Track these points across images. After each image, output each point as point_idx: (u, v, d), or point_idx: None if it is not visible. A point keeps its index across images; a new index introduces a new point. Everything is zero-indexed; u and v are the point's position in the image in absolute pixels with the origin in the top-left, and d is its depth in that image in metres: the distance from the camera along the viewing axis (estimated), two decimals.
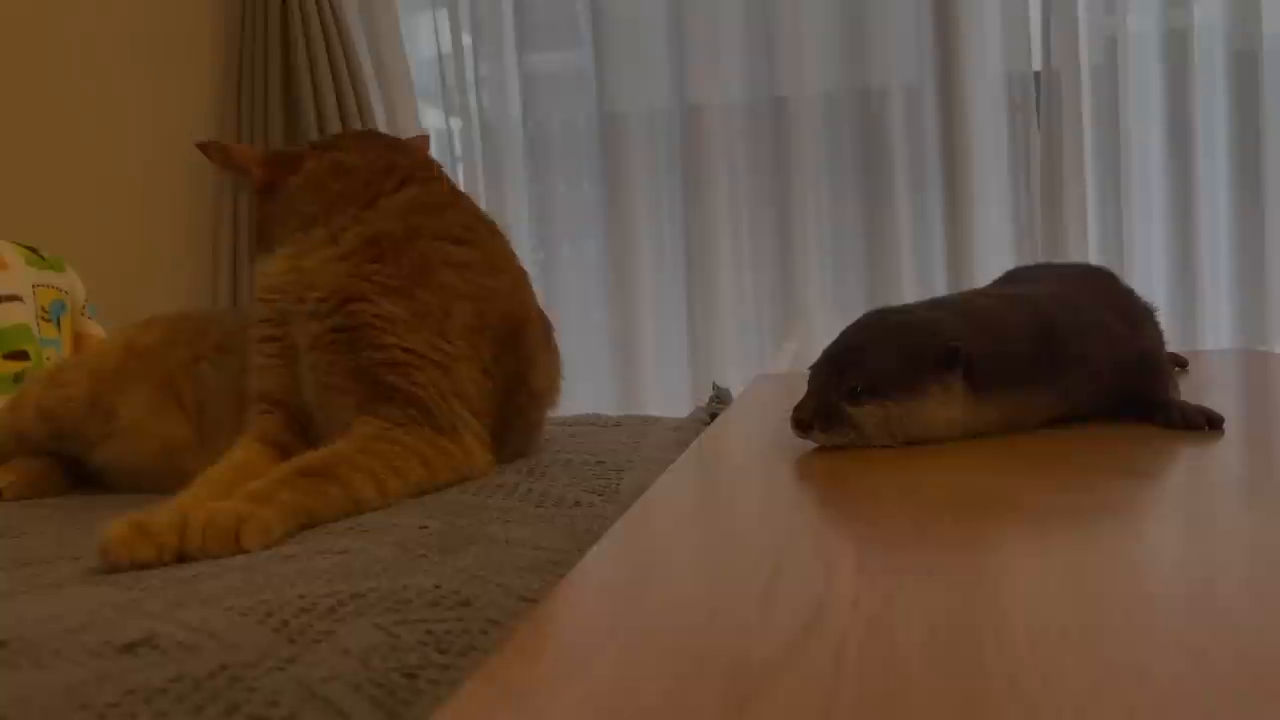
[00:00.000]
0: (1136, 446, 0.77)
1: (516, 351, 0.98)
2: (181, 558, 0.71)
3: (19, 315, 1.73)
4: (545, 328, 1.05)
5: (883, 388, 0.76)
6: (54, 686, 0.47)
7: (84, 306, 1.91)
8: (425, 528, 0.72)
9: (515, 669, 0.39)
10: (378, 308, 0.89)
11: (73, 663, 0.49)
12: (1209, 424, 0.77)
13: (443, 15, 2.46)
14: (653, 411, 2.33)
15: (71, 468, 1.15)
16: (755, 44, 2.35)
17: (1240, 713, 0.32)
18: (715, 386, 1.36)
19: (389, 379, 0.88)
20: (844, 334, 0.83)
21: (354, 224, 0.95)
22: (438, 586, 0.58)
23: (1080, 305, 0.90)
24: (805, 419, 0.78)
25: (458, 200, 1.02)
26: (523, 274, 1.03)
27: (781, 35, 2.33)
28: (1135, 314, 0.98)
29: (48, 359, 1.73)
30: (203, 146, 1.05)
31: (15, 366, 1.69)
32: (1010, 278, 1.08)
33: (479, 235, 0.99)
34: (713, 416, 1.20)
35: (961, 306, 0.87)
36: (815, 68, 2.33)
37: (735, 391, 1.66)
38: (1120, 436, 0.79)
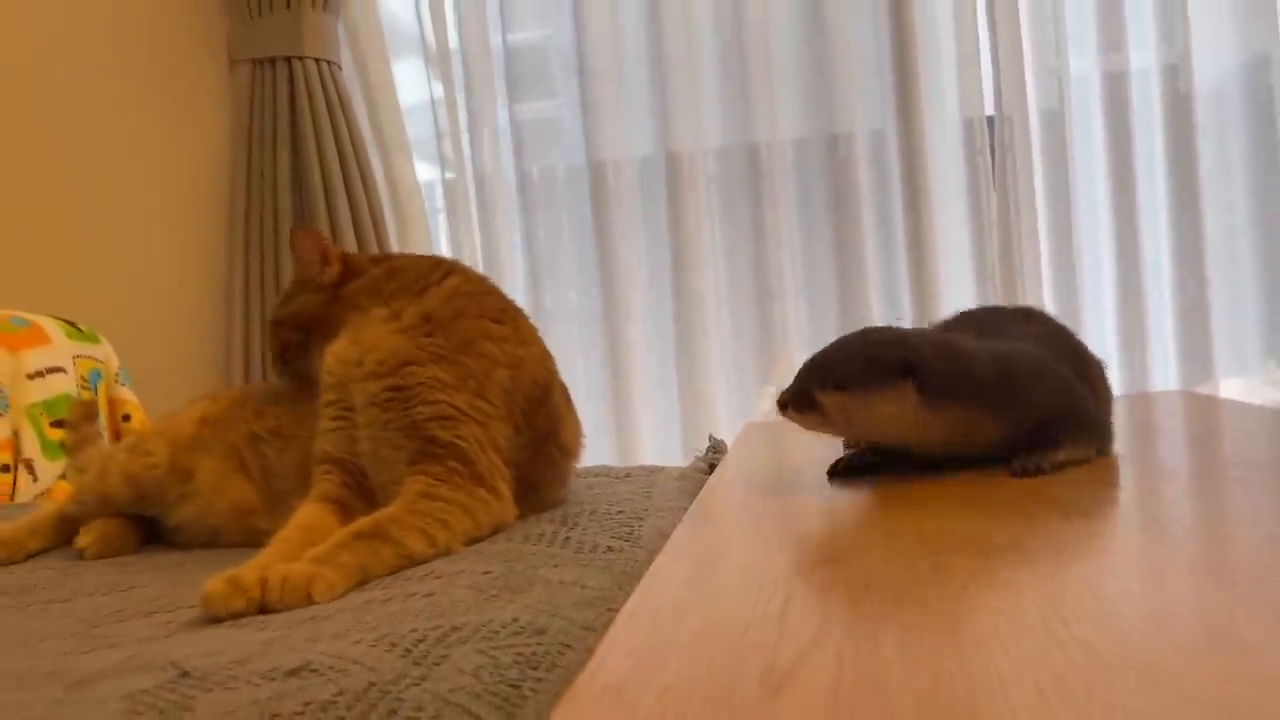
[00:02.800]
0: (1072, 490, 0.93)
1: (546, 411, 1.13)
2: (263, 609, 0.84)
3: (63, 385, 1.87)
4: (566, 393, 1.20)
5: (848, 384, 0.95)
6: (244, 702, 0.62)
7: (117, 375, 2.05)
8: (489, 572, 0.87)
9: (607, 672, 0.54)
10: (429, 371, 1.04)
11: (251, 685, 0.64)
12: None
13: (432, 67, 2.62)
14: (643, 450, 2.49)
15: (142, 527, 1.29)
16: (730, 94, 2.53)
17: None
18: (711, 438, 1.52)
19: (435, 432, 1.02)
20: (833, 342, 1.02)
21: (411, 305, 1.11)
22: (516, 619, 0.73)
23: (1038, 355, 1.06)
24: (784, 400, 0.98)
25: (491, 287, 1.19)
26: (545, 347, 1.18)
27: (754, 85, 2.50)
28: (1086, 369, 1.13)
29: None
30: (298, 232, 1.19)
31: (62, 434, 1.82)
32: (968, 318, 1.23)
33: (510, 314, 1.16)
34: (711, 466, 1.35)
35: (935, 335, 1.03)
36: (786, 115, 2.50)
37: (726, 437, 1.82)
38: (1061, 483, 0.96)
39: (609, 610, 0.77)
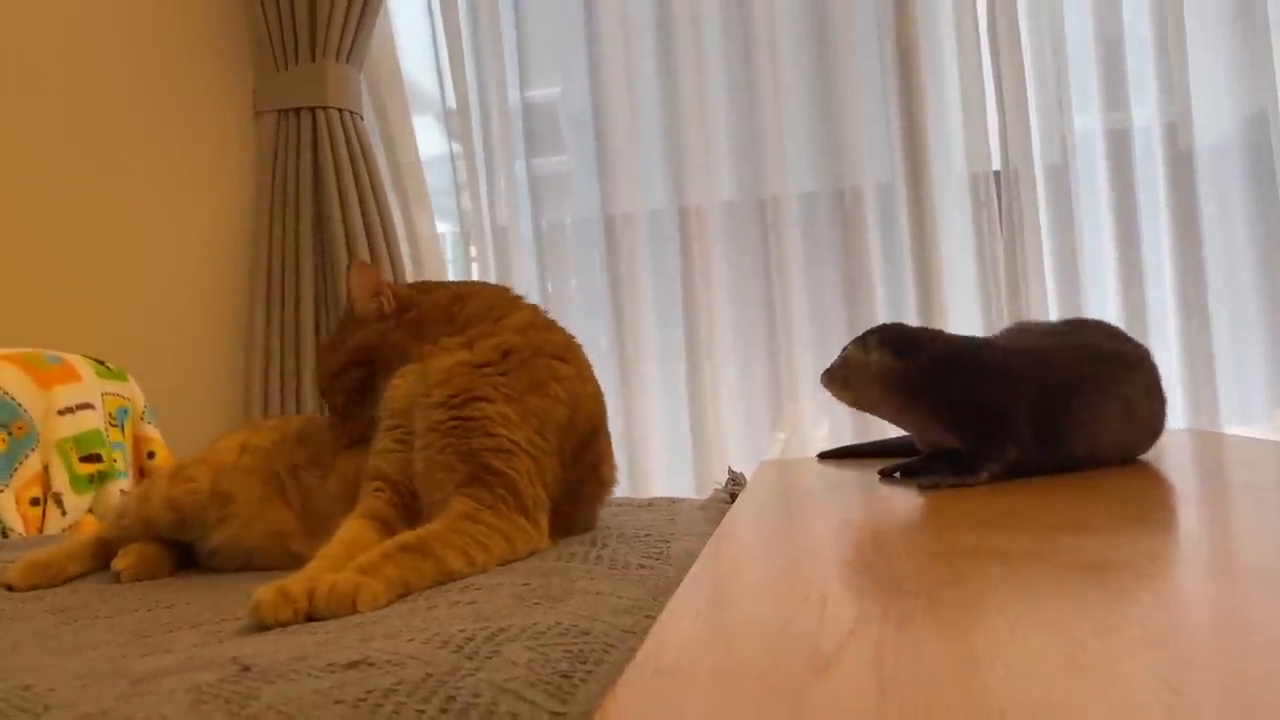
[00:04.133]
0: (1086, 507, 0.97)
1: (594, 448, 1.19)
2: (310, 617, 0.88)
3: (92, 422, 1.91)
4: (608, 428, 1.25)
5: (848, 349, 1.26)
6: (307, 691, 0.65)
7: (143, 413, 2.09)
8: (527, 584, 0.90)
9: (658, 657, 0.57)
10: (497, 408, 1.09)
11: (312, 678, 0.67)
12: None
13: (449, 121, 2.69)
14: (655, 494, 2.52)
15: (176, 552, 1.32)
16: (741, 149, 2.59)
17: None
18: (730, 470, 1.55)
19: (491, 461, 1.06)
20: None
21: (488, 338, 1.16)
22: (559, 623, 0.76)
23: (1004, 358, 1.25)
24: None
25: (553, 320, 1.25)
26: (598, 384, 1.23)
27: (765, 141, 2.57)
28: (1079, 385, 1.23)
29: (115, 462, 1.90)
30: (357, 266, 1.25)
31: (90, 468, 1.86)
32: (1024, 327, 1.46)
33: (572, 350, 1.21)
34: (733, 496, 1.39)
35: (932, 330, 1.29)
36: (796, 169, 2.57)
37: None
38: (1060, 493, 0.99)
39: (646, 617, 0.80)
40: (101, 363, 2.04)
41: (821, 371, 1.30)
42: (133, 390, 2.08)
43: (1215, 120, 2.41)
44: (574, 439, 1.14)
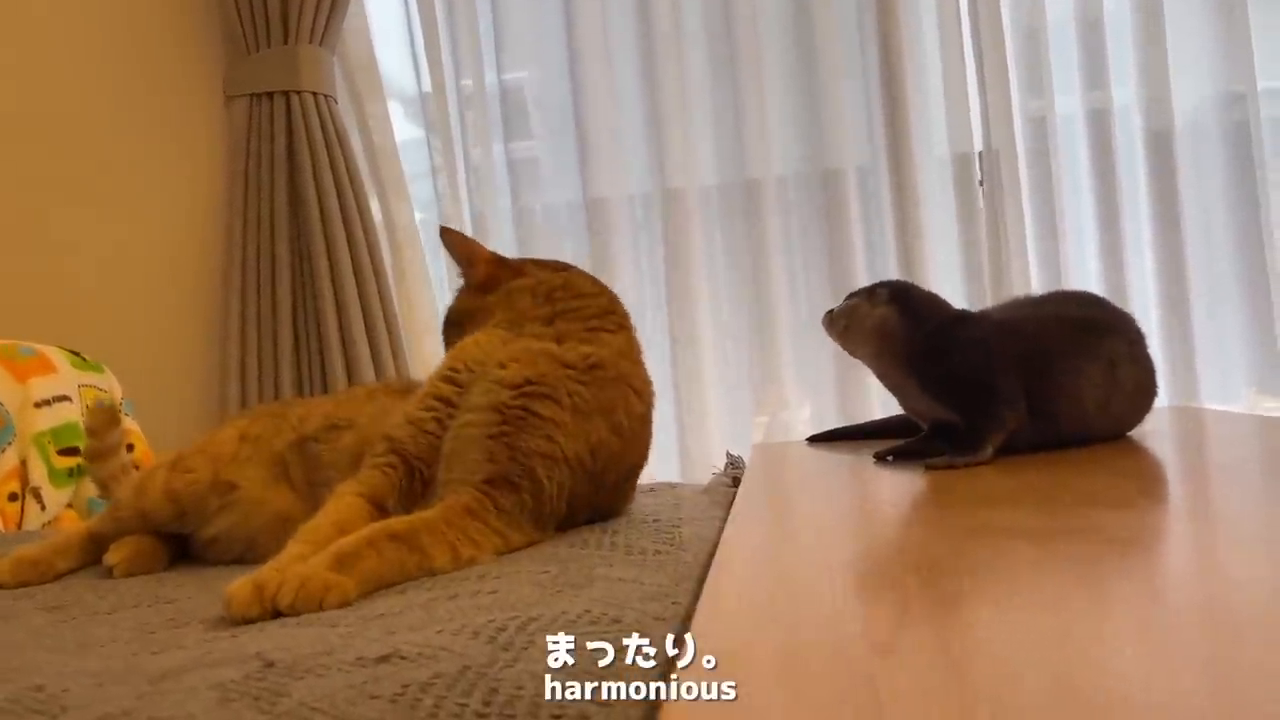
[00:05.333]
0: (1090, 480, 0.96)
1: (626, 486, 1.19)
2: (276, 614, 0.85)
3: (69, 414, 1.86)
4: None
5: (851, 296, 1.33)
6: (339, 686, 0.63)
7: (120, 405, 2.04)
8: (547, 571, 0.88)
9: (709, 642, 0.56)
10: (563, 414, 1.06)
11: (343, 673, 0.65)
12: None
13: (424, 105, 2.65)
14: (643, 475, 2.50)
15: (170, 545, 1.29)
16: (722, 133, 2.57)
17: None
18: (729, 454, 1.54)
19: (535, 465, 1.03)
20: None
21: (580, 342, 1.13)
22: (588, 611, 0.74)
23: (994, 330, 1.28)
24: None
25: (641, 356, 1.22)
26: (653, 430, 1.21)
27: (747, 123, 2.55)
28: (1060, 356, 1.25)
29: None
30: (445, 232, 1.25)
31: (69, 461, 1.82)
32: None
33: (647, 392, 1.19)
34: (735, 480, 1.38)
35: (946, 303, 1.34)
36: (778, 152, 2.55)
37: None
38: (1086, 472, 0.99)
39: (673, 604, 0.79)
40: (77, 354, 1.99)
41: (824, 314, 1.34)
42: (110, 381, 2.03)
43: (1194, 101, 2.42)
44: (617, 470, 1.12)
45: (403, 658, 0.65)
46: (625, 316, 1.23)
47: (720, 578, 0.69)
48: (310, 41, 2.53)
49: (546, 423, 1.05)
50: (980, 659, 0.49)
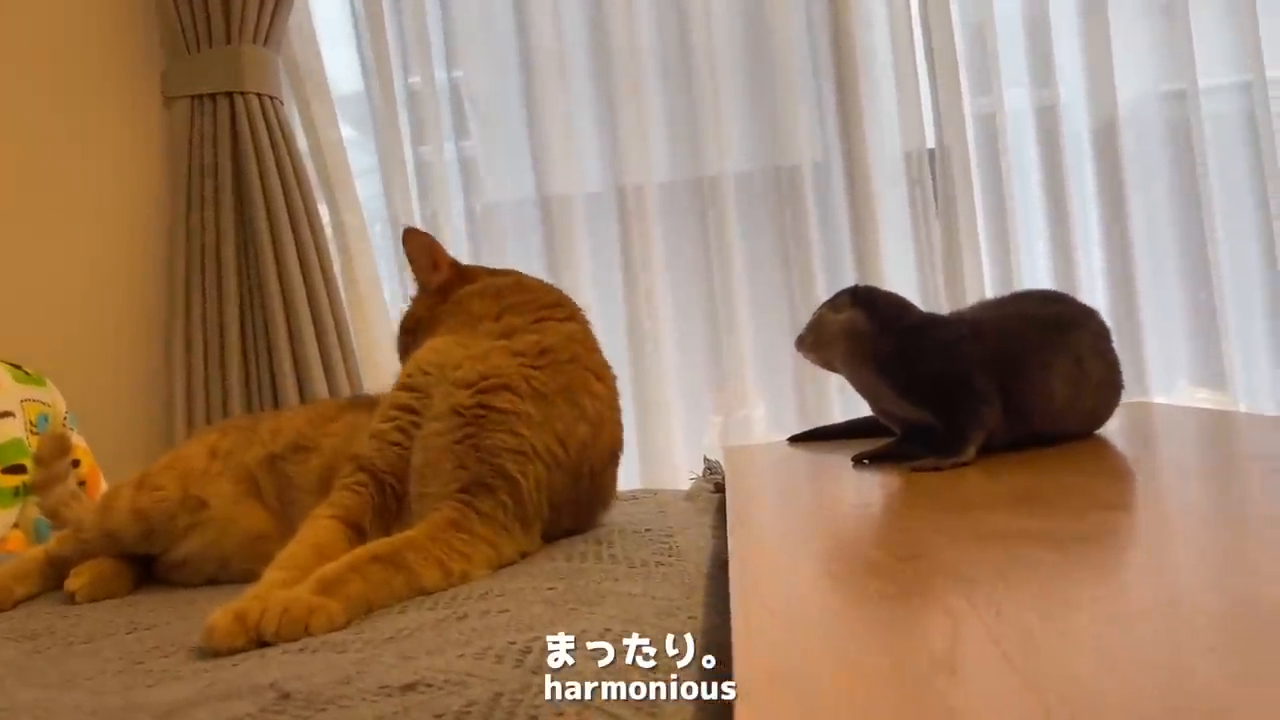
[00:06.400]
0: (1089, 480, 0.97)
1: (606, 475, 1.16)
2: (261, 643, 0.81)
3: (13, 430, 1.79)
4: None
5: (820, 307, 1.30)
6: (367, 717, 0.60)
7: (65, 418, 1.96)
8: (553, 588, 0.86)
9: (773, 662, 0.54)
10: (525, 406, 1.03)
11: (368, 703, 0.62)
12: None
13: (373, 104, 2.59)
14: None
15: (136, 569, 1.24)
16: (677, 131, 2.56)
17: None
18: (706, 459, 1.53)
19: (506, 463, 1.01)
20: None
21: (528, 332, 1.11)
22: (608, 629, 0.73)
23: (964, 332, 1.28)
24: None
25: (597, 345, 1.20)
26: (622, 417, 1.19)
27: (702, 122, 2.54)
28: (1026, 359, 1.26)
29: None
30: (410, 233, 1.23)
31: (14, 480, 1.74)
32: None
33: (609, 376, 1.17)
34: (717, 486, 1.36)
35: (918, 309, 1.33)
36: (733, 150, 2.55)
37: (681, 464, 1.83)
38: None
39: (689, 618, 0.77)
40: (19, 367, 1.91)
41: (795, 340, 1.32)
42: (53, 395, 1.95)
43: (1136, 97, 2.47)
44: (592, 459, 1.10)
45: (429, 685, 0.63)
46: (575, 308, 1.22)
47: (747, 597, 0.67)
48: (254, 41, 2.46)
49: (508, 416, 1.04)
50: (1047, 675, 0.48)
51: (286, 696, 0.64)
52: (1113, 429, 1.32)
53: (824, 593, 0.68)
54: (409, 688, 0.63)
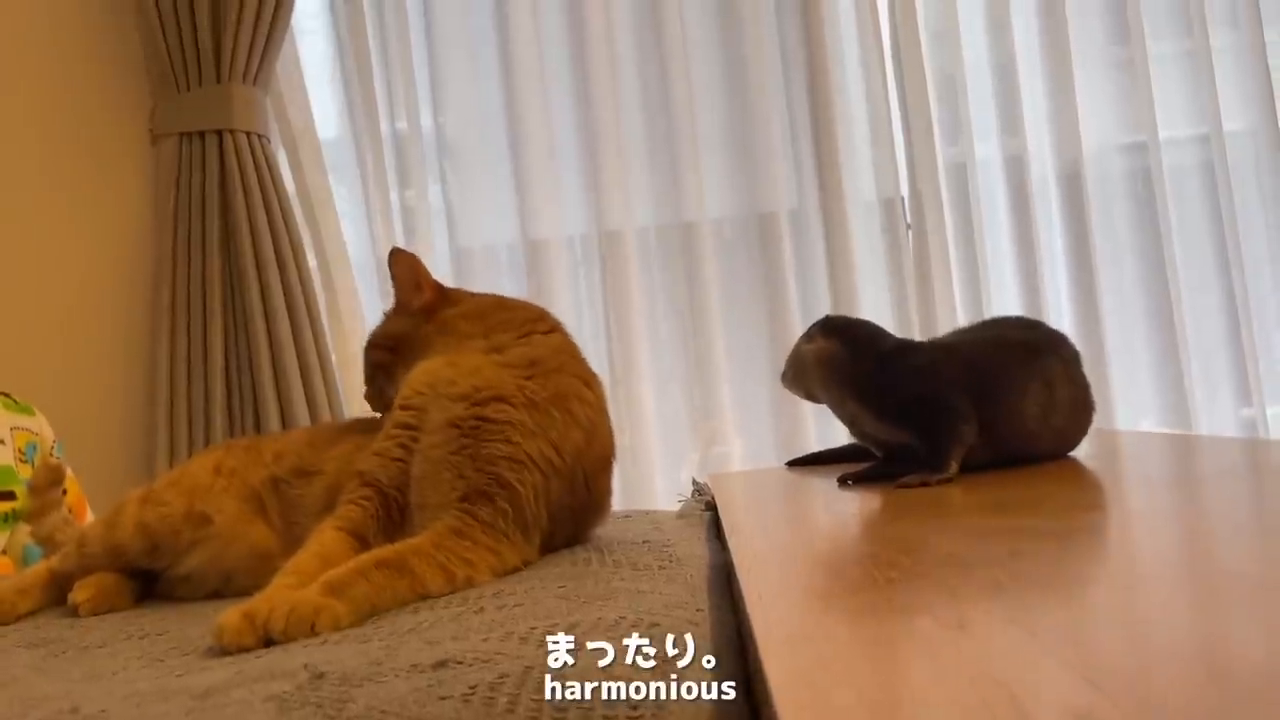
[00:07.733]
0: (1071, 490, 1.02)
1: (601, 482, 1.18)
2: (268, 641, 0.84)
3: (3, 458, 1.79)
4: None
5: (798, 341, 1.36)
6: (403, 691, 0.63)
7: (53, 447, 1.97)
8: (563, 586, 0.89)
9: (814, 681, 0.55)
10: (519, 415, 1.07)
11: (401, 679, 0.65)
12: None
13: (360, 144, 2.65)
14: None
15: (138, 583, 1.26)
16: (658, 178, 2.63)
17: None
18: (695, 481, 1.57)
19: (502, 471, 1.04)
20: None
21: (516, 345, 1.15)
22: (624, 617, 0.76)
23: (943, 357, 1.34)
24: None
25: (582, 355, 1.23)
26: (611, 423, 1.22)
27: (681, 168, 2.61)
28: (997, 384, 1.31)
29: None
30: (396, 253, 1.25)
31: (4, 507, 1.74)
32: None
33: (596, 383, 1.20)
34: (707, 505, 1.40)
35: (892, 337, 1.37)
36: (712, 196, 2.62)
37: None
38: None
39: (698, 610, 0.81)
40: (8, 396, 1.92)
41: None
42: (40, 424, 1.96)
43: (1100, 148, 2.57)
44: (586, 465, 1.13)
45: (459, 662, 0.66)
46: (557, 322, 1.26)
47: (764, 610, 0.67)
48: (244, 81, 2.50)
49: (504, 426, 1.07)
50: (1122, 676, 0.49)
51: (320, 676, 0.67)
52: (1081, 452, 1.37)
53: (843, 602, 0.71)
54: (440, 665, 0.66)
